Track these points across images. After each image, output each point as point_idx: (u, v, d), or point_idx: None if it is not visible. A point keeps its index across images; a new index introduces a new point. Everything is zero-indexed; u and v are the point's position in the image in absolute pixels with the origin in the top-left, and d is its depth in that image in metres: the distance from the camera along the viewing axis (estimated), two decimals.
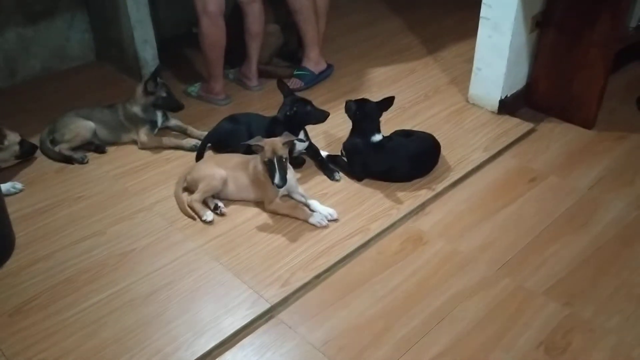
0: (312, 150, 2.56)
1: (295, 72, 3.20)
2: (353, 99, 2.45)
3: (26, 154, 2.55)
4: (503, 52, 2.74)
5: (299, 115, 2.40)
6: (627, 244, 2.12)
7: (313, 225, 2.18)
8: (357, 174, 2.44)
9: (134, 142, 2.67)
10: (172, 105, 2.68)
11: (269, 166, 2.10)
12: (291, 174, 2.24)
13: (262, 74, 3.19)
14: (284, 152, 2.11)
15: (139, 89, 2.63)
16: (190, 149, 2.60)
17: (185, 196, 2.30)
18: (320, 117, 2.45)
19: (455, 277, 1.99)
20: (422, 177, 2.42)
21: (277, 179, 2.08)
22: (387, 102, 2.40)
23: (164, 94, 2.64)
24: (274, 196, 2.23)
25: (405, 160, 2.40)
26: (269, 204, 2.24)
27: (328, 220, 2.19)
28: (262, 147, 2.10)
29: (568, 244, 2.12)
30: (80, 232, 2.17)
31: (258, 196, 2.28)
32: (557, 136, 2.75)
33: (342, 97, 3.05)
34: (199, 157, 2.51)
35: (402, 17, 4.08)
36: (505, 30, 2.69)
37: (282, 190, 2.24)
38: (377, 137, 2.38)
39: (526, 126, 2.80)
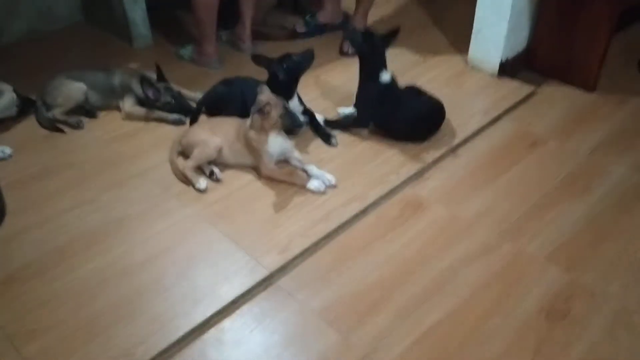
0: (307, 115, 2.50)
1: (307, 18, 3.21)
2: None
3: (26, 105, 2.49)
4: (504, 12, 2.66)
5: (294, 68, 2.32)
6: (627, 209, 2.10)
7: (311, 191, 2.14)
8: (364, 120, 2.39)
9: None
10: (181, 111, 2.54)
11: (286, 117, 2.10)
12: (286, 138, 2.20)
13: (257, 36, 3.10)
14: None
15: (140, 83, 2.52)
16: (174, 122, 2.50)
17: (180, 161, 2.25)
18: (309, 57, 2.37)
19: (455, 243, 1.96)
20: (419, 141, 2.37)
21: (299, 119, 2.16)
22: (393, 35, 2.33)
23: (169, 99, 2.52)
24: (269, 161, 2.18)
25: (412, 118, 2.35)
26: (265, 170, 2.19)
27: (326, 186, 2.15)
28: (268, 105, 2.06)
29: (569, 209, 2.09)
30: (72, 199, 2.12)
31: (254, 162, 2.23)
32: (558, 99, 2.71)
33: (335, 61, 2.98)
34: (193, 121, 2.45)
35: None
36: None
37: (278, 155, 2.19)
38: (386, 77, 2.31)
39: (526, 89, 2.74)
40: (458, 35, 3.21)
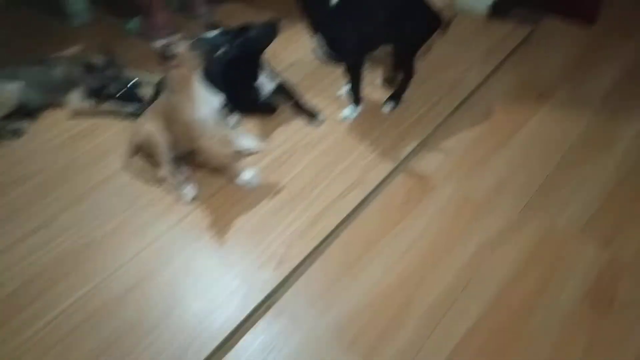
0: (284, 90, 2.18)
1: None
2: None
3: None
4: None
5: (249, 47, 1.96)
6: None
7: (241, 184, 1.87)
8: (348, 54, 1.94)
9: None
10: (132, 100, 2.17)
11: (198, 48, 1.67)
12: (214, 102, 1.79)
13: None
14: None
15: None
16: (129, 115, 2.15)
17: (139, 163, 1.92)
18: (270, 32, 1.98)
19: (474, 226, 1.72)
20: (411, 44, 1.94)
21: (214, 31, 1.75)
22: None
23: (118, 88, 2.14)
24: (202, 125, 1.75)
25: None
26: (200, 142, 1.78)
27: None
28: (167, 47, 1.65)
29: (594, 170, 1.86)
30: (24, 226, 1.79)
31: (188, 140, 1.80)
32: (558, 39, 2.43)
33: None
34: None
35: None
36: None
37: (211, 113, 1.77)
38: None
39: (522, 31, 2.45)
40: None
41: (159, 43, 1.66)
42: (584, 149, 1.93)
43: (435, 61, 2.22)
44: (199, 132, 1.77)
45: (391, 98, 2.08)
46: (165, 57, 1.66)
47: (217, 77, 1.91)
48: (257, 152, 1.96)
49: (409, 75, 2.01)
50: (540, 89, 2.18)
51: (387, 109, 2.08)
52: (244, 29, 1.98)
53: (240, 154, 1.95)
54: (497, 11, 2.50)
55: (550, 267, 1.59)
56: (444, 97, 2.14)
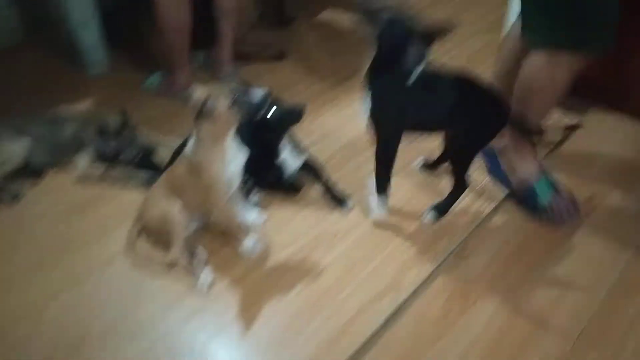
0: (311, 169, 2.00)
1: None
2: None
3: None
4: None
5: (270, 127, 1.80)
6: None
7: (243, 251, 1.73)
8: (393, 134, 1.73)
9: None
10: (151, 168, 2.00)
11: (240, 102, 1.52)
12: (242, 157, 1.65)
13: (237, 56, 2.57)
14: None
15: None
16: (142, 184, 1.96)
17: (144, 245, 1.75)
18: (295, 117, 1.83)
19: (523, 355, 1.51)
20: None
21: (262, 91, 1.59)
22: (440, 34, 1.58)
23: (133, 155, 1.99)
24: (226, 188, 1.63)
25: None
26: (220, 206, 1.65)
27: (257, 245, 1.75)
28: (209, 98, 1.49)
29: None
30: (7, 314, 1.57)
31: (204, 201, 1.66)
32: (607, 134, 2.26)
33: (336, 89, 2.48)
34: None
35: None
36: None
37: (237, 174, 1.65)
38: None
39: (569, 121, 2.29)
40: (481, 52, 2.75)
41: (197, 94, 1.51)
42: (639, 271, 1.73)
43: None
44: (222, 192, 1.63)
45: (436, 208, 1.86)
46: (202, 111, 1.50)
47: (245, 138, 1.72)
48: (258, 229, 1.80)
49: (461, 185, 1.80)
50: (589, 192, 1.99)
51: (428, 219, 1.86)
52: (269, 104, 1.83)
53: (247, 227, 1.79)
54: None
55: None
56: (484, 189, 1.97)
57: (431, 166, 2.03)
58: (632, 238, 1.83)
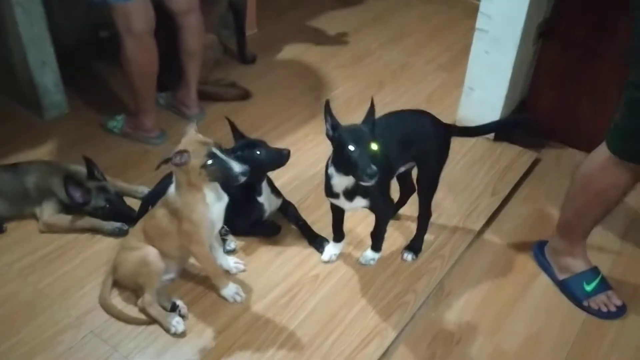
0: (288, 211, 2.00)
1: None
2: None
3: None
4: (504, 72, 2.29)
5: (247, 164, 1.74)
6: None
7: (224, 298, 1.71)
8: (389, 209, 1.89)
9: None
10: (120, 216, 1.93)
11: (215, 164, 1.50)
12: (223, 202, 1.64)
13: (202, 96, 2.54)
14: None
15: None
16: (112, 234, 1.90)
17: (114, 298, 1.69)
18: (277, 159, 1.84)
19: None
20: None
21: (238, 168, 1.52)
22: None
23: (102, 203, 1.91)
24: (205, 234, 1.61)
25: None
26: (197, 248, 1.63)
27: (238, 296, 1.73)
28: (185, 152, 1.49)
29: (626, 325, 1.73)
30: None
31: (184, 247, 1.65)
32: (564, 167, 2.36)
33: (303, 128, 2.49)
34: None
35: (353, 13, 3.53)
36: (509, 46, 2.23)
37: (216, 224, 1.65)
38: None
39: (530, 156, 2.38)
40: (435, 86, 2.84)
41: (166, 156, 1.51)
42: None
43: (444, 186, 2.07)
44: (202, 238, 1.61)
45: (411, 248, 1.90)
46: (173, 162, 1.50)
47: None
48: (236, 274, 1.79)
49: (428, 215, 1.85)
50: (554, 224, 2.06)
51: (409, 259, 1.88)
52: (251, 145, 1.82)
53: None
54: (502, 133, 2.44)
55: None
56: (457, 228, 2.01)
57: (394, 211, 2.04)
58: (601, 266, 1.90)
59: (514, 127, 2.42)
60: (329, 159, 1.64)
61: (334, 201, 1.71)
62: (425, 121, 1.76)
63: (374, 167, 1.44)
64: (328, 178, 1.64)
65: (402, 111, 1.81)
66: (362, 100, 2.68)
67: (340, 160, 1.54)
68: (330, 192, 1.67)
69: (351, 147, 1.47)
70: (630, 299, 1.80)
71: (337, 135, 1.52)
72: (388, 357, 1.61)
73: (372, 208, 1.71)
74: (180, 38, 2.29)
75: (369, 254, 1.86)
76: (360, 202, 1.65)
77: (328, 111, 1.53)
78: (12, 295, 1.71)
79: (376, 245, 1.85)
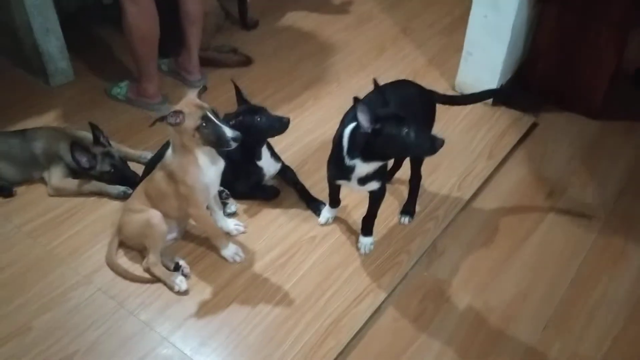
0: (287, 175, 2.06)
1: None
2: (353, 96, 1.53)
3: None
4: (503, 35, 2.30)
5: (248, 129, 1.80)
6: None
7: (224, 258, 1.79)
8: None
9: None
10: (124, 181, 1.99)
11: (208, 128, 1.56)
12: (218, 167, 1.70)
13: (203, 62, 2.58)
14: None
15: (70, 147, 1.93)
16: (117, 196, 1.97)
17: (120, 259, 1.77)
18: (277, 126, 1.88)
19: (495, 347, 1.61)
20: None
21: (230, 133, 1.57)
22: None
23: (108, 168, 1.97)
24: (201, 196, 1.68)
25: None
26: (195, 210, 1.70)
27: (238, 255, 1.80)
28: (181, 113, 1.54)
29: (612, 284, 1.79)
30: None
31: (182, 208, 1.71)
32: (562, 131, 2.39)
33: (303, 94, 2.52)
34: None
35: None
36: (507, 8, 2.23)
37: (212, 185, 1.70)
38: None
39: (527, 120, 2.41)
40: (435, 51, 2.85)
41: (162, 114, 1.58)
42: (599, 260, 1.85)
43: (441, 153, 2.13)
44: (199, 200, 1.68)
45: (406, 212, 1.95)
46: (167, 121, 1.55)
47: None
48: (236, 236, 1.87)
49: (419, 177, 1.91)
50: (548, 188, 2.12)
51: (406, 221, 1.94)
52: (252, 111, 1.86)
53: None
54: (501, 97, 2.46)
55: None
56: (452, 190, 2.06)
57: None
58: (591, 228, 1.96)
59: (497, 98, 2.43)
60: (332, 153, 1.67)
61: (342, 183, 1.73)
62: (412, 90, 1.80)
63: (436, 135, 1.50)
64: (347, 169, 1.61)
65: (391, 84, 1.80)
66: (363, 65, 2.70)
67: (385, 147, 1.52)
68: (340, 177, 1.68)
69: (405, 130, 1.48)
70: (619, 255, 1.86)
71: (380, 126, 1.48)
72: (380, 314, 1.68)
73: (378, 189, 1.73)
74: (181, 4, 2.32)
75: (366, 240, 1.84)
76: (373, 185, 1.68)
77: (362, 109, 1.47)
78: (22, 256, 1.79)
79: (369, 229, 1.84)
